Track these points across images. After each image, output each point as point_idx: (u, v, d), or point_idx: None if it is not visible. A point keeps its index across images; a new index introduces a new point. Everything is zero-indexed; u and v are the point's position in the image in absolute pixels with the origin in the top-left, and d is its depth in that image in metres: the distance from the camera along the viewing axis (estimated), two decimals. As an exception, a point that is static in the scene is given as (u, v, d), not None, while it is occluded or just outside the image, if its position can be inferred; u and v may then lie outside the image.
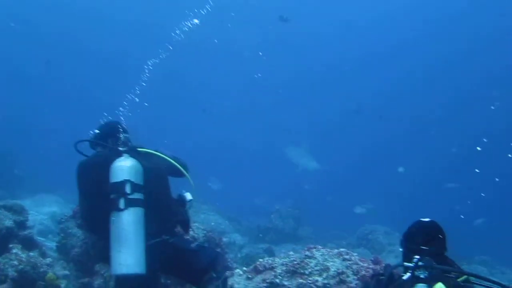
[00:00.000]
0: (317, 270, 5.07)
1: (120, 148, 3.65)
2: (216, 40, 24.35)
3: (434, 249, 2.62)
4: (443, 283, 2.32)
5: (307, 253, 5.40)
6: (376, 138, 29.72)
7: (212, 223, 11.53)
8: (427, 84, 31.27)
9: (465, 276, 2.48)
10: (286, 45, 31.10)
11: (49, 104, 29.94)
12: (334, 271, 5.01)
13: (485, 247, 15.39)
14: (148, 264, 3.35)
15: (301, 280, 4.99)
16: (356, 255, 5.51)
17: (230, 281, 5.56)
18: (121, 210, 3.32)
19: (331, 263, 5.14)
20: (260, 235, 12.48)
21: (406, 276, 2.45)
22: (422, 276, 2.38)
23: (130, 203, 3.34)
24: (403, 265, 2.56)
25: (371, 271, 4.99)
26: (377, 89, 31.50)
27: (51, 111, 29.38)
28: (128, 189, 3.36)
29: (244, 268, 5.81)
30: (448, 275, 2.42)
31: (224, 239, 11.56)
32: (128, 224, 3.30)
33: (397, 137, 30.03)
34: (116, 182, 3.38)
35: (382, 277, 2.66)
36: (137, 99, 4.15)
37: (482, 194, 19.26)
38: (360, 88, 31.13)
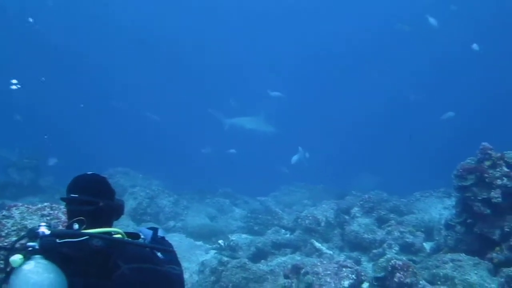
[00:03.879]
0: (14, 231, 4.90)
1: None
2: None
3: (78, 198, 2.46)
4: (45, 254, 2.14)
5: (4, 212, 5.11)
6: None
7: None
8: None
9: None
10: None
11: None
12: (31, 229, 4.90)
13: (227, 181, 17.42)
14: None
15: (-3, 243, 4.74)
16: (62, 208, 5.47)
17: None
18: None
19: (29, 221, 5.01)
20: None
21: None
22: (37, 246, 2.15)
23: None
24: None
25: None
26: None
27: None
28: None
29: None
30: (71, 239, 2.25)
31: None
32: None
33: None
34: None
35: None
36: None
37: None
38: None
